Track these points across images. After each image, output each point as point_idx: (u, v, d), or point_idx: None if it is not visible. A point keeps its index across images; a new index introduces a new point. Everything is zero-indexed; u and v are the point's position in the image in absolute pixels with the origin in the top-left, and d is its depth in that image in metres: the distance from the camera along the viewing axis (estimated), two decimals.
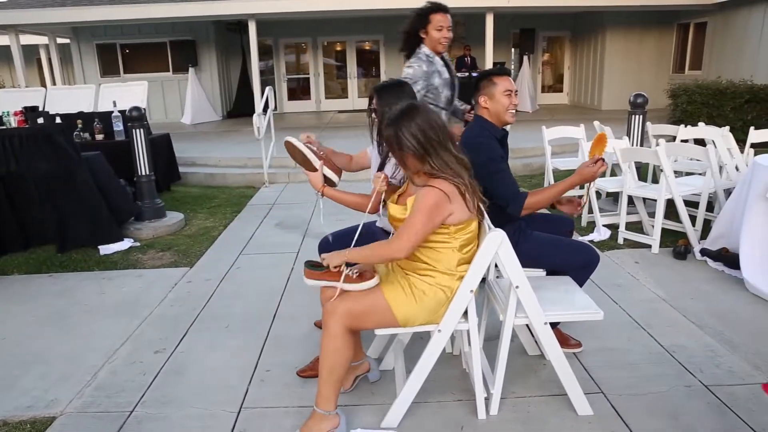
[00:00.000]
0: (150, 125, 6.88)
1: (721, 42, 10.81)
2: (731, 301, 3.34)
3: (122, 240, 4.58)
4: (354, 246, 2.19)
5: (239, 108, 12.87)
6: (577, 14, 13.32)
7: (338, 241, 2.78)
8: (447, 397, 2.42)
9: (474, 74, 12.02)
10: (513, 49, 14.28)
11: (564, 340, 2.79)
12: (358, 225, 2.79)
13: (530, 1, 10.23)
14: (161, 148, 6.28)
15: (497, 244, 2.01)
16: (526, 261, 2.65)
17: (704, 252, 4.04)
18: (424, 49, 3.25)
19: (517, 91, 2.67)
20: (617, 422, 2.25)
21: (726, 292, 3.47)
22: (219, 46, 13.05)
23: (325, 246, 2.85)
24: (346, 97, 14.30)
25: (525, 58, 12.90)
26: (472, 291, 2.06)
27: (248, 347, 2.90)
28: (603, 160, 2.48)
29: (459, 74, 12.17)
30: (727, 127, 5.28)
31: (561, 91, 14.69)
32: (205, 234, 4.93)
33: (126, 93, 6.90)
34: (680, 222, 4.22)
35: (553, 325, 2.80)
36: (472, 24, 13.21)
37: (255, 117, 6.61)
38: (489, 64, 10.50)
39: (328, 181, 2.42)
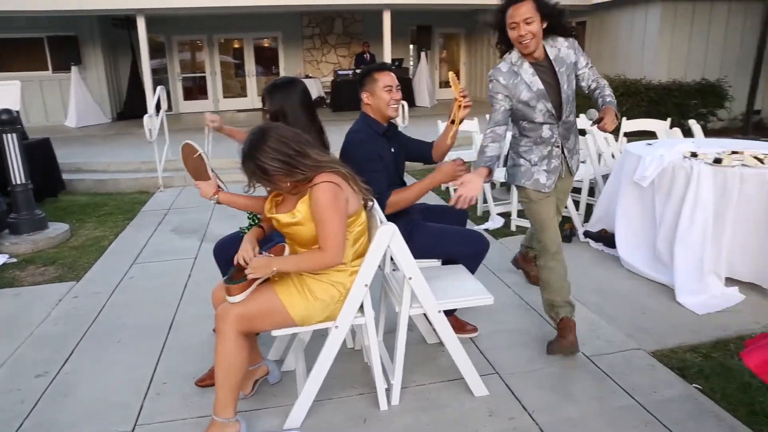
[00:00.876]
0: (27, 129, 6.36)
1: (598, 40, 11.69)
2: (609, 277, 3.64)
3: None
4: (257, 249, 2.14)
5: (130, 109, 12.14)
6: (471, 12, 13.84)
7: (234, 244, 2.71)
8: (349, 392, 2.44)
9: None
10: (411, 46, 14.57)
11: (460, 326, 2.91)
12: (248, 228, 2.74)
13: None
14: (39, 154, 5.80)
15: (389, 236, 2.06)
16: (421, 252, 2.74)
17: (587, 234, 4.37)
18: (512, 55, 2.59)
19: (399, 86, 2.72)
20: (511, 399, 2.38)
21: (605, 270, 3.77)
22: (105, 43, 12.23)
23: (220, 249, 2.77)
24: (246, 96, 13.93)
25: (423, 54, 13.21)
26: (366, 285, 2.09)
27: (143, 361, 2.77)
28: (463, 161, 2.62)
29: (359, 71, 12.29)
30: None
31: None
32: (94, 244, 4.62)
33: None
34: (566, 207, 4.52)
35: (449, 313, 2.92)
36: (371, 21, 13.36)
37: (146, 118, 6.28)
38: (387, 60, 10.65)
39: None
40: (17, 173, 4.54)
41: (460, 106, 2.64)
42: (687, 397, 2.34)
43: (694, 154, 3.54)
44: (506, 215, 4.80)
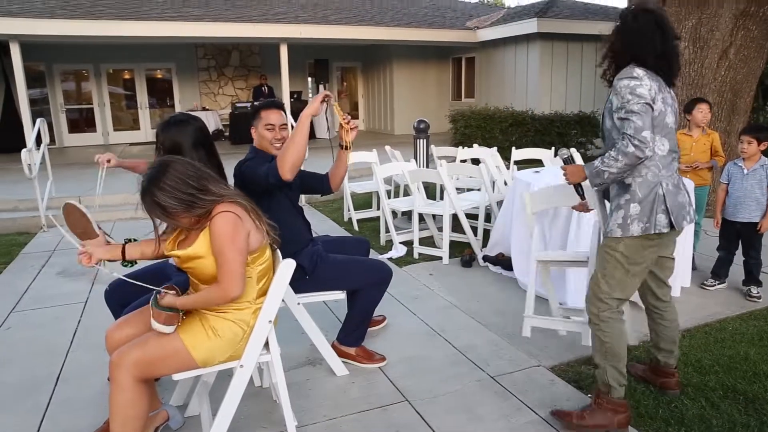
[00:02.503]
0: None
1: (486, 74, 12.49)
2: (507, 298, 3.84)
3: None
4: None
5: (5, 142, 11.14)
6: (366, 47, 14.27)
7: (127, 284, 2.57)
8: None
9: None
10: (309, 79, 14.73)
11: (369, 356, 2.94)
12: (149, 265, 2.61)
13: (320, 33, 10.66)
14: None
15: (290, 271, 2.04)
16: (326, 284, 2.76)
17: (486, 258, 4.59)
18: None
19: (285, 124, 2.72)
20: (422, 425, 2.42)
21: (503, 291, 3.97)
22: None
23: (113, 292, 2.61)
24: (138, 129, 13.31)
25: (321, 87, 13.39)
26: (270, 321, 2.06)
27: (23, 421, 2.50)
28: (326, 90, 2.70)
29: (257, 103, 12.27)
30: (495, 148, 6.10)
31: (356, 117, 15.53)
32: None
33: None
34: (464, 233, 4.73)
35: (357, 344, 2.94)
36: (268, 53, 13.34)
37: (24, 153, 5.80)
38: (286, 93, 10.69)
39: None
40: None
41: (347, 131, 2.68)
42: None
43: None
44: (408, 243, 4.92)
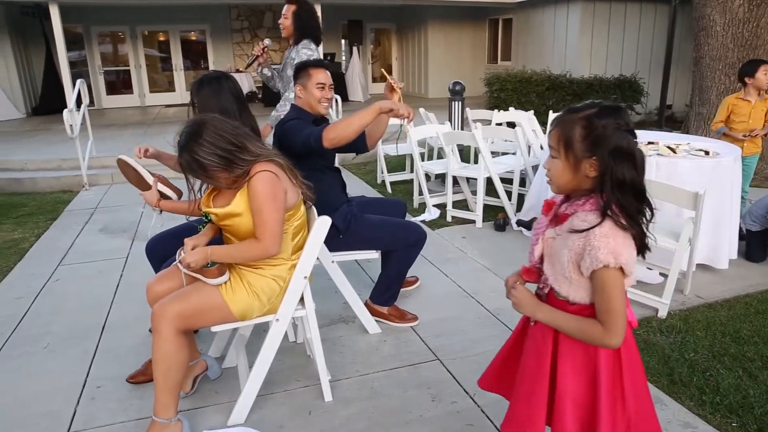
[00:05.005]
0: None
1: (524, 37, 12.11)
2: None
3: None
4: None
5: (47, 104, 11.42)
6: (401, 7, 13.97)
7: (166, 240, 2.64)
8: (293, 385, 2.44)
9: None
10: (343, 41, 14.54)
11: (401, 315, 2.97)
12: (183, 223, 2.68)
13: None
14: None
15: (326, 228, 2.06)
16: (360, 243, 2.78)
17: (519, 223, 4.55)
18: None
19: (332, 85, 2.73)
20: (453, 384, 2.45)
21: None
22: (15, 33, 11.42)
23: (154, 247, 2.69)
24: (174, 91, 13.45)
25: (354, 49, 13.22)
26: (305, 277, 2.10)
27: (73, 366, 2.64)
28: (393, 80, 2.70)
29: None
30: (532, 111, 5.96)
31: None
32: (12, 247, 4.34)
33: None
34: (499, 197, 4.68)
35: (390, 303, 2.98)
36: None
37: (66, 113, 5.94)
38: (319, 55, 10.59)
39: (163, 196, 2.36)
40: None
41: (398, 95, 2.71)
42: None
43: (651, 142, 3.75)
44: (442, 206, 4.90)
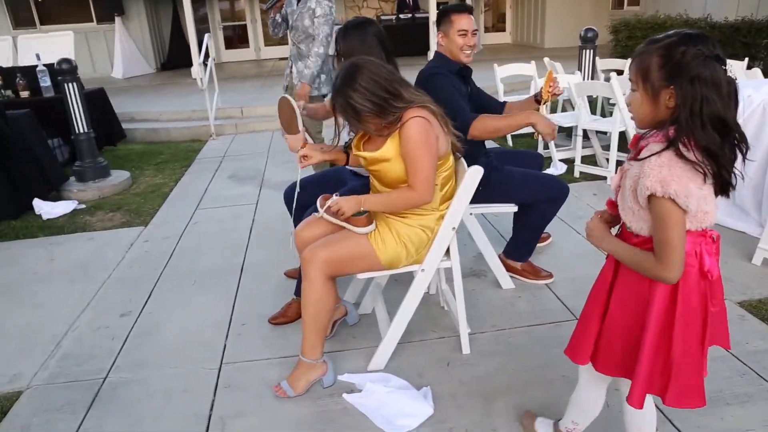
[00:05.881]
0: None
1: None
2: None
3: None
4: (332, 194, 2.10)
5: (174, 59, 12.15)
6: None
7: (306, 188, 2.68)
8: (429, 335, 2.43)
9: (418, 15, 11.77)
10: None
11: (536, 272, 2.85)
12: (326, 170, 2.70)
13: None
14: (97, 103, 5.85)
15: (478, 178, 1.97)
16: (499, 196, 2.66)
17: None
18: None
19: (476, 30, 2.58)
20: None
21: None
22: None
23: (291, 194, 2.75)
24: (286, 44, 13.70)
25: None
26: (454, 228, 2.03)
27: (219, 302, 2.81)
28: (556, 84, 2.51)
29: (402, 15, 11.90)
30: None
31: (503, 30, 14.62)
32: (156, 191, 4.69)
33: (49, 45, 6.34)
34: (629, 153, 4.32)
35: (524, 259, 2.86)
36: None
37: (196, 67, 6.24)
38: (432, 4, 10.28)
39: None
40: (80, 122, 4.59)
41: (549, 94, 2.54)
42: None
43: None
44: (568, 161, 4.63)
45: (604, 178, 4.33)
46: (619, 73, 5.73)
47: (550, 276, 2.86)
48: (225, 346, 2.44)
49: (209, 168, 5.35)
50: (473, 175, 1.96)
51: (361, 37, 2.39)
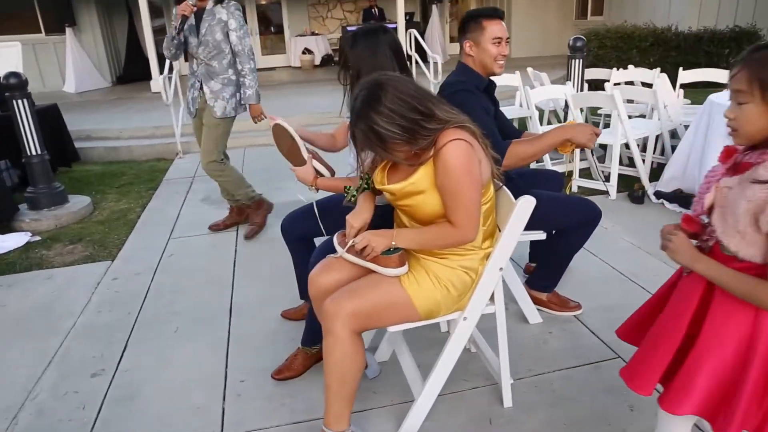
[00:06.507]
0: None
1: None
2: None
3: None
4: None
5: (130, 72, 11.51)
6: None
7: (306, 217, 2.35)
8: (461, 385, 2.12)
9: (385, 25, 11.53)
10: None
11: (563, 303, 2.60)
12: (331, 197, 2.37)
13: None
14: (49, 121, 5.33)
15: (530, 210, 1.69)
16: (532, 222, 2.37)
17: (659, 194, 4.02)
18: None
19: (509, 38, 2.31)
20: None
21: None
22: (99, 3, 11.49)
23: (291, 225, 2.41)
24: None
25: (433, 7, 12.56)
26: (501, 269, 1.74)
27: (209, 353, 2.43)
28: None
29: None
30: (658, 69, 5.30)
31: None
32: (121, 218, 4.23)
33: None
34: (628, 166, 4.16)
35: (550, 290, 2.60)
36: None
37: (158, 80, 5.79)
38: (400, 14, 10.08)
39: (318, 174, 2.07)
40: (32, 143, 4.10)
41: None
42: None
43: None
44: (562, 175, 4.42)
45: (604, 192, 4.14)
46: (599, 83, 5.62)
47: (579, 307, 2.61)
48: (223, 410, 2.07)
49: (179, 190, 4.92)
50: (525, 206, 1.67)
51: (372, 47, 2.07)
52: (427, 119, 1.58)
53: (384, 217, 1.90)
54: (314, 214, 2.30)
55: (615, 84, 5.40)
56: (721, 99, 3.63)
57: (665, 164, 4.47)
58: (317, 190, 2.05)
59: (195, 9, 3.32)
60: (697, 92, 6.48)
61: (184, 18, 3.32)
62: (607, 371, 2.18)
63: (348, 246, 1.73)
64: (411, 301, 1.66)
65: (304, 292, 2.56)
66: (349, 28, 11.62)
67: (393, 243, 1.65)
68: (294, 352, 2.25)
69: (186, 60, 3.63)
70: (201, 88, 3.48)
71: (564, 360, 2.26)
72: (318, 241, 2.30)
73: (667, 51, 9.00)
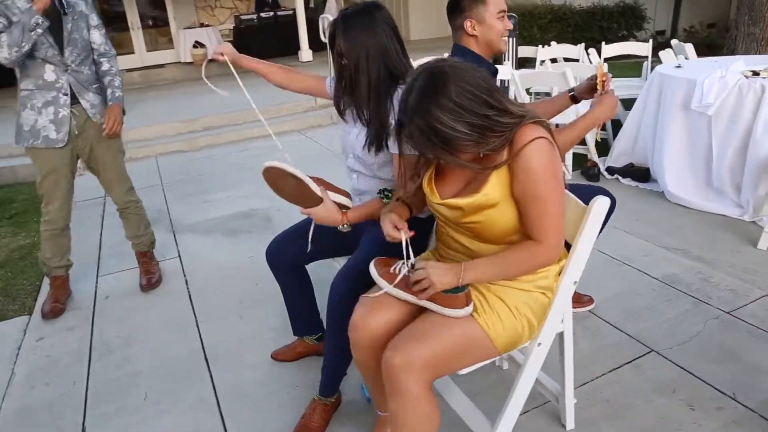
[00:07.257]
0: None
1: None
2: (668, 215, 3.33)
3: None
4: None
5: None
6: None
7: (295, 241, 1.98)
8: None
9: (280, 12, 10.94)
10: None
11: (577, 299, 2.45)
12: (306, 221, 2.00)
13: None
14: None
15: (605, 212, 1.46)
16: None
17: (611, 170, 4.03)
18: None
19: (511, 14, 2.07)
20: (695, 381, 1.96)
21: (655, 206, 3.47)
22: None
23: (279, 250, 2.02)
24: (132, 52, 12.02)
25: None
26: (575, 283, 1.50)
27: (198, 421, 1.98)
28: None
29: (263, 15, 11.01)
30: (582, 45, 5.37)
31: None
32: (25, 258, 3.52)
33: None
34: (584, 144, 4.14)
35: None
36: None
37: None
38: (299, 0, 9.61)
39: (340, 206, 1.69)
40: None
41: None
42: None
43: (755, 73, 3.22)
44: None
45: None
46: (527, 60, 5.62)
47: (592, 301, 2.47)
48: None
49: (91, 214, 4.22)
50: (599, 208, 1.44)
51: (370, 27, 1.71)
52: (500, 114, 1.29)
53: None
54: (304, 234, 1.94)
55: (541, 61, 5.41)
56: (668, 70, 3.66)
57: (607, 139, 4.52)
58: (349, 225, 1.69)
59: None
60: (619, 66, 6.72)
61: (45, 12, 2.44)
62: (646, 367, 2.06)
63: (398, 280, 1.40)
64: (488, 338, 1.38)
65: (298, 328, 2.20)
66: (243, 17, 10.88)
67: (460, 281, 1.35)
68: (310, 405, 1.88)
69: (21, 72, 2.59)
70: (72, 103, 2.68)
71: (602, 363, 2.10)
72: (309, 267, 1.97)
73: (565, 27, 9.34)
